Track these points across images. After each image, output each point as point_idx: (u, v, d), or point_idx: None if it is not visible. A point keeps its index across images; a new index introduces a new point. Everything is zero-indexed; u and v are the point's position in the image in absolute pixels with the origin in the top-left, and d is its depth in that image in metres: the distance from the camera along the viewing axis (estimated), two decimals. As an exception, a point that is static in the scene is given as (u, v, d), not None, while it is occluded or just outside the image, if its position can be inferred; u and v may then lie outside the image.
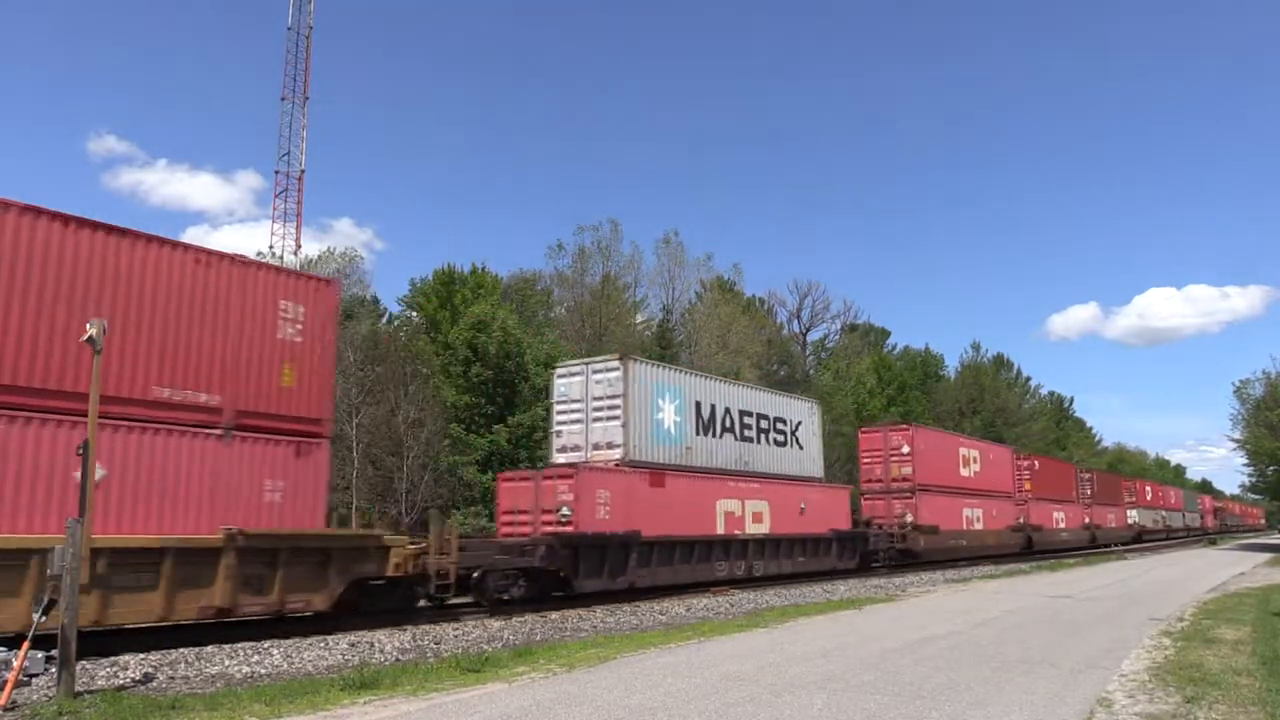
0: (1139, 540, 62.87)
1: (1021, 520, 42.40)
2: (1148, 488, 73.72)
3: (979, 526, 36.90)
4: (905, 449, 32.48)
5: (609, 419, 20.12)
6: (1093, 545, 51.89)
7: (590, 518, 18.33)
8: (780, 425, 25.72)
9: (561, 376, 21.56)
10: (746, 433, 24.14)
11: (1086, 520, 52.96)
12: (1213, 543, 68.30)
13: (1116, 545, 55.24)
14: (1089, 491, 55.48)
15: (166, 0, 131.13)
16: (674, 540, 20.42)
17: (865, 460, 33.42)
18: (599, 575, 18.45)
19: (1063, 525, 48.59)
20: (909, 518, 31.26)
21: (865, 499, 32.55)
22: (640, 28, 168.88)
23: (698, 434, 22.07)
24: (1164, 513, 74.71)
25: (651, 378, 21.01)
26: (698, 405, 22.23)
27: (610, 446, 19.99)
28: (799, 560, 24.99)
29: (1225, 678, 9.07)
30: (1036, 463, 47.27)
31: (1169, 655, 10.69)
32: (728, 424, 23.37)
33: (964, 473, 36.59)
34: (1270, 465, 61.14)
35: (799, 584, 23.90)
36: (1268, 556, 41.27)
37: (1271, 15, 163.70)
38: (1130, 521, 63.81)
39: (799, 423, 26.72)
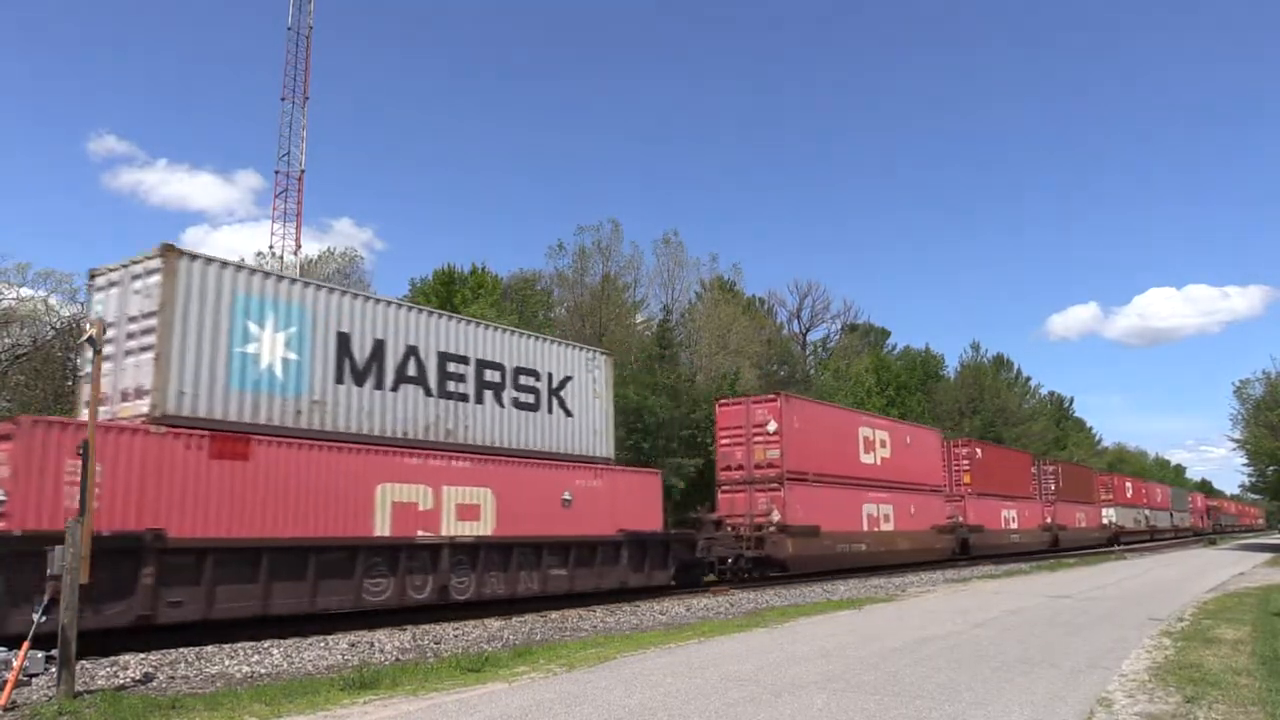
0: (1115, 543, 57.30)
1: (957, 519, 36.12)
2: (1127, 483, 67.55)
3: (888, 527, 29.79)
4: (771, 426, 25.15)
5: (141, 351, 12.83)
6: (1055, 548, 46.42)
7: (41, 506, 10.87)
8: (527, 380, 18.37)
9: (100, 289, 13.82)
10: (454, 386, 16.81)
11: (1047, 519, 46.94)
12: (1212, 543, 68.33)
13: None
14: (1053, 487, 49.87)
15: (167, 0, 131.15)
16: (263, 546, 12.92)
17: (723, 442, 26.26)
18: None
19: (1014, 525, 41.99)
20: (775, 516, 24.27)
21: (722, 492, 25.90)
22: (640, 27, 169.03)
23: (340, 382, 14.84)
24: (1147, 511, 68.95)
25: (230, 288, 13.61)
26: (343, 339, 15.01)
27: (139, 395, 12.71)
28: (554, 574, 17.68)
29: (1225, 678, 9.07)
30: (979, 450, 40.50)
31: (1169, 655, 10.69)
32: (411, 371, 16.09)
33: (866, 459, 29.42)
34: (1270, 465, 61.19)
35: (799, 584, 23.81)
36: (1267, 556, 41.28)
37: (1272, 15, 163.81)
38: (1105, 521, 58.18)
39: (566, 378, 19.27)
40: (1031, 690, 8.36)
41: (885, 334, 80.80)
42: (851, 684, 8.62)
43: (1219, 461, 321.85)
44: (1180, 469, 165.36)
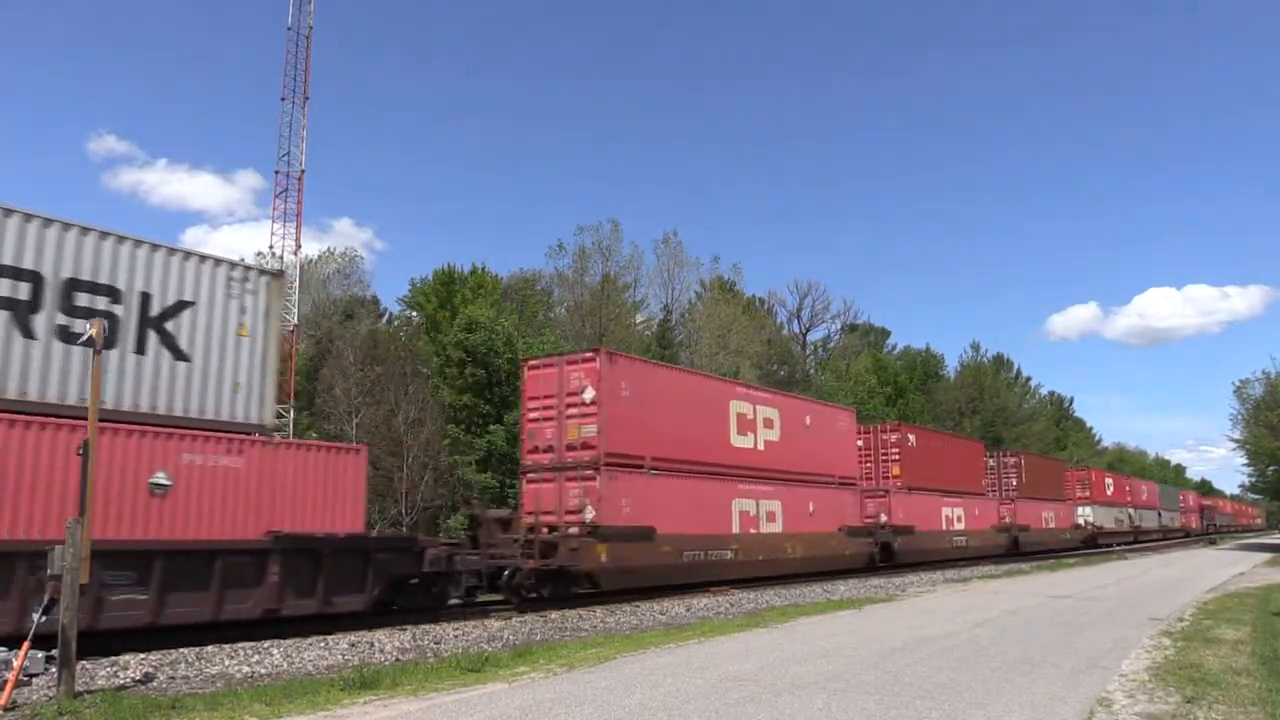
0: (1091, 545, 51.78)
1: (881, 518, 30.29)
2: (1107, 479, 61.37)
3: (772, 528, 23.60)
4: (588, 394, 18.71)
5: None
6: (1014, 552, 40.92)
7: None
8: (94, 301, 12.26)
9: None
10: None
11: (1005, 519, 41.34)
12: (1212, 543, 68.36)
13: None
14: (1014, 482, 44.58)
15: (167, 1, 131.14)
16: None
17: (531, 415, 19.68)
18: None
19: (959, 525, 36.21)
20: (590, 513, 18.13)
21: (528, 481, 19.42)
22: (641, 27, 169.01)
23: None
24: (1131, 510, 63.11)
25: None
26: None
27: None
28: (118, 599, 11.42)
29: (1225, 678, 9.07)
30: (911, 436, 34.21)
31: (1169, 655, 10.70)
32: None
33: (740, 442, 23.05)
34: (1270, 465, 61.20)
35: (799, 583, 23.85)
36: (1267, 556, 41.31)
37: (1272, 14, 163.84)
38: (1080, 522, 52.57)
39: (181, 304, 13.27)
40: (1031, 690, 8.37)
41: (885, 334, 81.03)
42: (852, 684, 8.62)
43: (1219, 461, 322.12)
44: (1180, 469, 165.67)
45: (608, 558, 18.14)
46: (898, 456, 32.82)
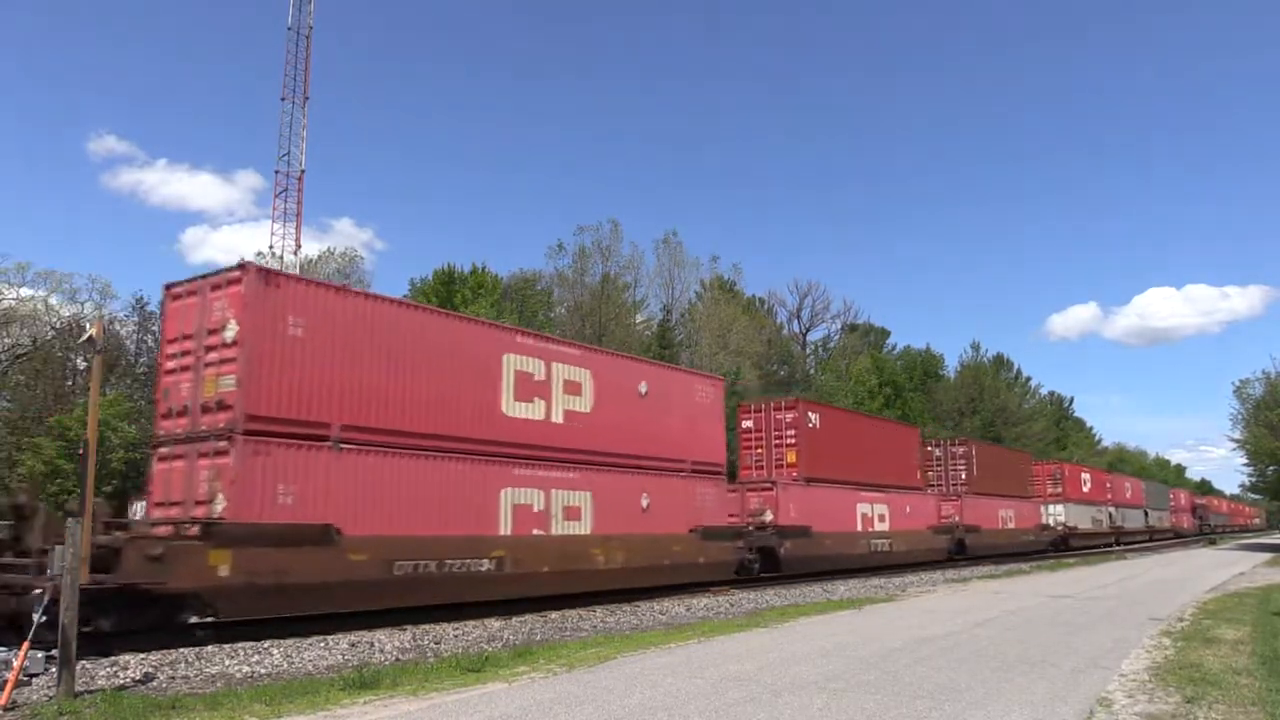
0: (1063, 548, 46.64)
1: (767, 517, 24.75)
2: (1084, 474, 55.32)
3: (573, 528, 17.73)
4: (230, 331, 13.09)
5: None
6: (960, 557, 35.59)
7: None
8: None
9: None
10: None
11: (947, 518, 35.75)
12: (1212, 543, 68.33)
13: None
14: (963, 475, 38.99)
15: (167, 1, 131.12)
16: None
17: (168, 366, 13.88)
18: None
19: (882, 525, 30.22)
20: (220, 505, 12.55)
21: (159, 459, 13.63)
22: (641, 28, 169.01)
23: None
24: (1111, 509, 57.87)
25: None
26: None
27: None
28: None
29: (1225, 678, 9.07)
30: (814, 415, 27.91)
31: (1169, 655, 10.70)
32: None
33: (520, 411, 17.06)
34: (1270, 465, 61.23)
35: (799, 583, 23.81)
36: (1267, 556, 41.31)
37: (1272, 14, 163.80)
38: (1049, 521, 47.27)
39: None
40: (1032, 690, 8.37)
41: (885, 334, 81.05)
42: (852, 684, 8.62)
43: (1219, 461, 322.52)
44: (1180, 469, 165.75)
45: (234, 571, 12.25)
46: (794, 441, 27.08)
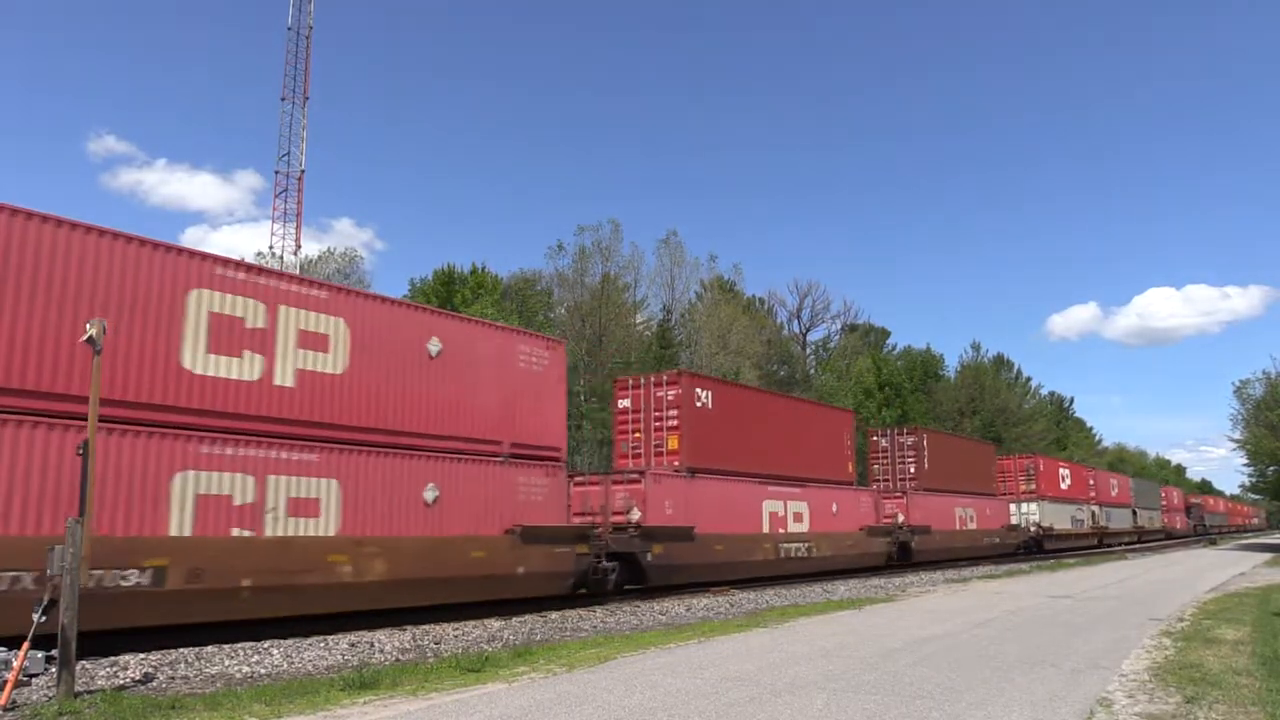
0: (1037, 550, 43.42)
1: (634, 516, 20.04)
2: (1062, 469, 50.55)
3: (308, 527, 13.33)
4: None
5: None
6: (904, 562, 31.55)
7: None
8: None
9: None
10: None
11: (890, 518, 31.49)
12: (1213, 543, 68.30)
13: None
14: (912, 469, 34.78)
15: (167, 1, 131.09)
16: None
17: None
18: None
19: (799, 527, 25.73)
20: None
21: None
22: (641, 29, 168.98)
23: None
24: (1094, 508, 53.58)
25: None
26: None
27: None
28: None
29: (1225, 678, 9.07)
30: (704, 392, 22.90)
31: (1169, 655, 10.69)
32: None
33: (213, 367, 12.57)
34: (1270, 465, 61.24)
35: (799, 583, 23.76)
36: (1268, 556, 41.32)
37: (1272, 15, 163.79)
38: (1020, 521, 43.62)
39: None
40: (1032, 690, 8.36)
41: (885, 334, 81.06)
42: (852, 684, 8.62)
43: (1219, 461, 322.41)
44: (1180, 469, 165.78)
45: None
46: (676, 424, 22.16)
